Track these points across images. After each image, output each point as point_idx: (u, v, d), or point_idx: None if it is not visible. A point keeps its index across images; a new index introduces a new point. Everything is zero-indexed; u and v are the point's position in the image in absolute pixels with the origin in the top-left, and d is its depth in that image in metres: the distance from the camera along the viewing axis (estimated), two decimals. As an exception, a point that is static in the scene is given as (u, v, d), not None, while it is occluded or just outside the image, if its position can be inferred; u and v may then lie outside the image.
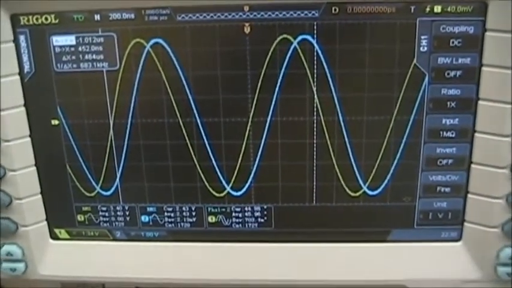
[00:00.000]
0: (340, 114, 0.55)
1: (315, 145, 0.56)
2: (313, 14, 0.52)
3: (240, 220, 0.60)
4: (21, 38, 0.54)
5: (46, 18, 0.54)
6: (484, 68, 0.52)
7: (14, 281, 0.61)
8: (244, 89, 0.55)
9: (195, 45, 0.54)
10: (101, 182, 0.59)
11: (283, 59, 0.53)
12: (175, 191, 0.59)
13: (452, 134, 0.55)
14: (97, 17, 0.53)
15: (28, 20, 0.54)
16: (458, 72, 0.53)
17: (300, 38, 0.53)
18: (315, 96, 0.55)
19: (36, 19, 0.54)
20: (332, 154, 0.56)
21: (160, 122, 0.57)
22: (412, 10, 0.51)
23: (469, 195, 0.56)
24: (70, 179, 0.60)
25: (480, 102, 0.53)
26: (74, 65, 0.55)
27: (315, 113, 0.55)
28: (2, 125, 0.55)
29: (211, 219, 0.61)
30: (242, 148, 0.57)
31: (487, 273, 0.57)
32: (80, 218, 0.62)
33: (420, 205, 0.58)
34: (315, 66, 0.54)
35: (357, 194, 0.58)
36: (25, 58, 0.55)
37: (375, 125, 0.55)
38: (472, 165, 0.55)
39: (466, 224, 0.57)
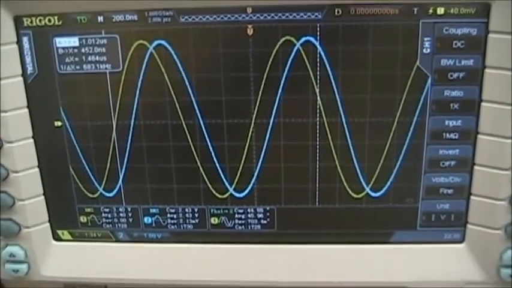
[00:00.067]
0: (342, 116, 0.55)
1: (317, 147, 0.56)
2: (316, 16, 0.52)
3: (243, 222, 0.60)
4: (25, 39, 0.54)
5: (49, 20, 0.54)
6: (487, 70, 0.52)
7: (17, 282, 0.61)
8: (247, 91, 0.55)
9: (198, 47, 0.54)
10: (103, 183, 0.59)
11: (286, 60, 0.53)
12: (178, 192, 0.59)
13: (455, 135, 0.55)
14: (100, 18, 0.54)
15: (31, 22, 0.54)
16: (461, 74, 0.53)
17: (303, 39, 0.53)
18: (318, 98, 0.55)
19: (40, 21, 0.54)
20: (335, 156, 0.56)
21: (163, 123, 0.57)
22: (415, 12, 0.51)
23: (472, 197, 0.56)
24: (73, 180, 0.60)
25: (483, 104, 0.53)
26: (77, 67, 0.55)
27: (317, 115, 0.55)
28: (5, 126, 0.55)
29: (214, 220, 0.61)
30: (245, 150, 0.57)
31: (489, 275, 0.57)
32: (83, 219, 0.62)
33: (423, 207, 0.58)
34: (318, 68, 0.54)
35: (360, 195, 0.58)
36: (28, 59, 0.55)
37: (377, 126, 0.55)
38: (475, 167, 0.55)
39: (468, 225, 0.57)
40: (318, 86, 0.54)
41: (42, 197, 0.59)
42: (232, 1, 0.52)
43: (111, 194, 0.60)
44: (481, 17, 0.50)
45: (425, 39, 0.52)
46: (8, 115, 0.55)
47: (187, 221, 0.61)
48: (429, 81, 0.53)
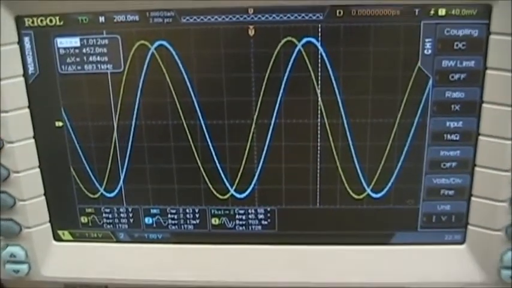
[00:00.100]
0: (344, 117, 0.55)
1: (318, 147, 0.56)
2: (318, 17, 0.52)
3: (244, 222, 0.60)
4: (26, 39, 0.54)
5: (51, 20, 0.54)
6: (488, 71, 0.52)
7: (17, 282, 0.61)
8: (249, 91, 0.55)
9: (200, 47, 0.54)
10: (104, 183, 0.59)
11: (288, 61, 0.53)
12: (179, 193, 0.59)
13: (456, 136, 0.55)
14: (101, 19, 0.54)
15: (33, 22, 0.54)
16: (463, 75, 0.53)
17: (304, 40, 0.53)
18: (319, 98, 0.55)
19: (41, 21, 0.54)
20: (336, 157, 0.56)
21: (165, 124, 0.57)
22: (417, 13, 0.51)
23: (473, 198, 0.56)
24: (74, 181, 0.60)
25: (484, 105, 0.53)
26: (78, 67, 0.55)
27: (319, 116, 0.55)
28: (6, 126, 0.55)
29: (215, 221, 0.61)
30: (246, 150, 0.57)
31: (490, 276, 0.57)
32: (84, 219, 0.62)
33: (424, 208, 0.58)
34: (319, 69, 0.54)
35: (361, 196, 0.58)
36: (29, 60, 0.55)
37: (378, 127, 0.55)
38: (476, 168, 0.55)
39: (469, 227, 0.57)
40: (319, 86, 0.54)
41: (43, 197, 0.59)
42: (233, 1, 0.52)
43: (112, 195, 0.60)
44: (483, 18, 0.50)
45: (427, 40, 0.52)
46: (9, 115, 0.55)
47: (188, 222, 0.61)
48: (430, 82, 0.53)
